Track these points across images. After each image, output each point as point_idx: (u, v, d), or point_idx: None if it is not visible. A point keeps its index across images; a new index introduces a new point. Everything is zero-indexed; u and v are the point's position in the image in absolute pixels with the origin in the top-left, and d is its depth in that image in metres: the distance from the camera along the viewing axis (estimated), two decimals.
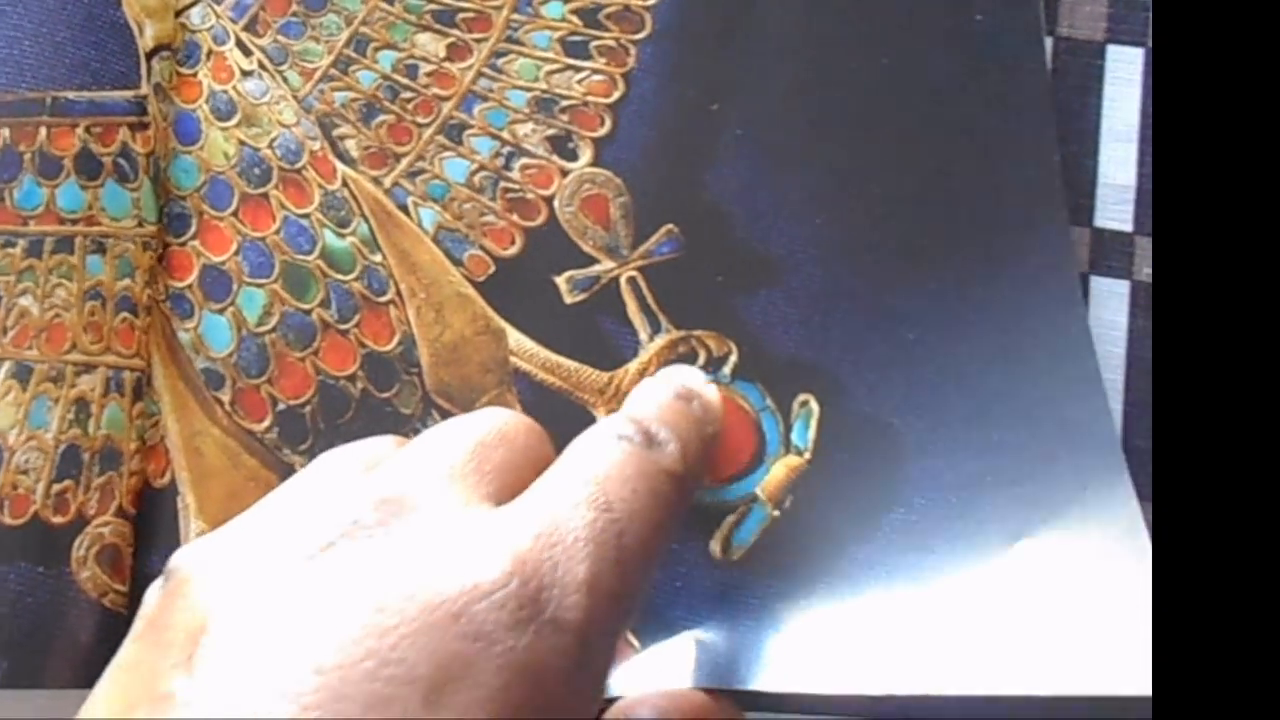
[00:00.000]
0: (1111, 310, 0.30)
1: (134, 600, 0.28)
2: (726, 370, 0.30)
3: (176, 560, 0.21)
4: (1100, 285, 0.30)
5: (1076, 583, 0.27)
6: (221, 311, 0.30)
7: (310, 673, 0.17)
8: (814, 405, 0.29)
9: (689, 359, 0.30)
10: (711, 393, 0.26)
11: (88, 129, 0.30)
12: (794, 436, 0.29)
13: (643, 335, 0.30)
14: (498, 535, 0.19)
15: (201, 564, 0.20)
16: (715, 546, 0.29)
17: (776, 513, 0.29)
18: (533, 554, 0.18)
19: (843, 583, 0.28)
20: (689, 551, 0.29)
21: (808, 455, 0.29)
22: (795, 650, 0.28)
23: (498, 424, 0.22)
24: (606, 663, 0.20)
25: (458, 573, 0.18)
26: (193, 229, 0.31)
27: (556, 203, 0.31)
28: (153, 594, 0.21)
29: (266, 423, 0.30)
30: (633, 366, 0.30)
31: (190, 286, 0.30)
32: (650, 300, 0.30)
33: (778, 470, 0.29)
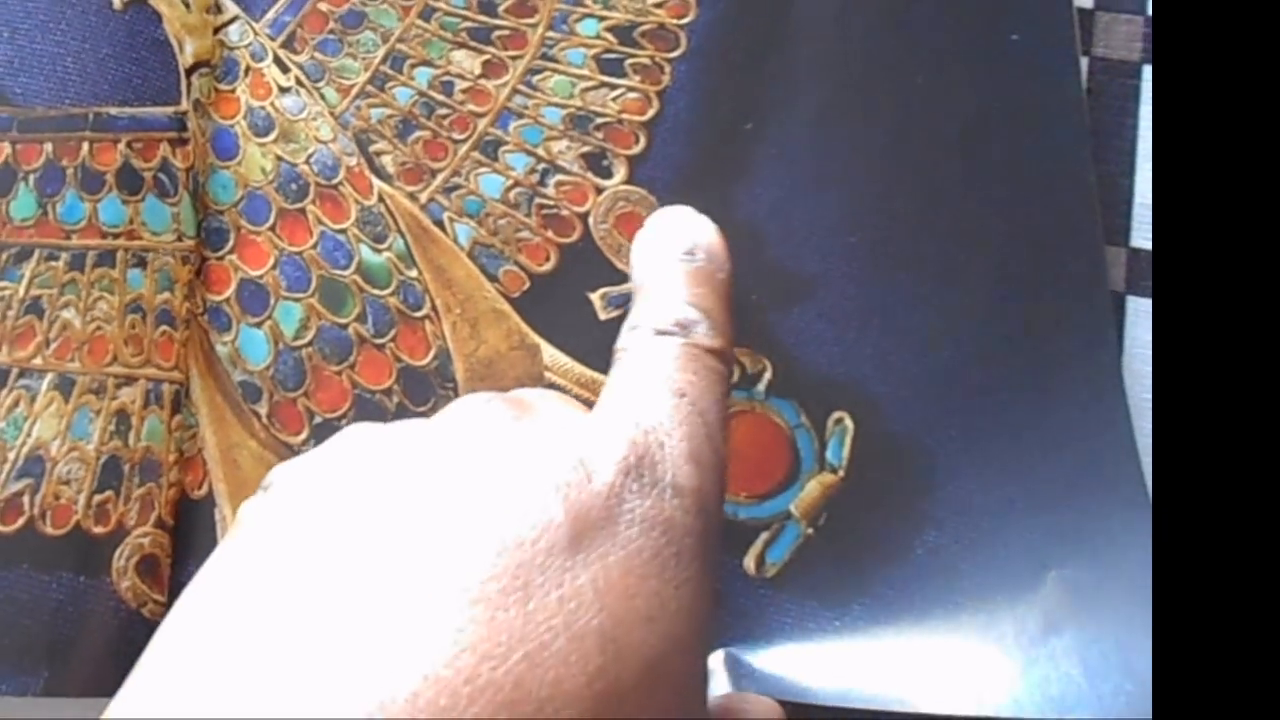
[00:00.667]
0: (1147, 330, 0.30)
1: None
2: (761, 387, 0.30)
3: (278, 474, 0.21)
4: (1136, 305, 0.30)
5: (1100, 621, 0.27)
6: (259, 325, 0.31)
7: (457, 527, 0.18)
8: (848, 422, 0.29)
9: None
10: (708, 233, 0.25)
11: (129, 144, 0.30)
12: (829, 454, 0.29)
13: None
14: (609, 426, 0.21)
15: (308, 472, 0.21)
16: (749, 563, 0.29)
17: (810, 530, 0.29)
18: (640, 437, 0.21)
19: (875, 603, 0.28)
20: (722, 567, 0.29)
21: (842, 473, 0.29)
22: (829, 669, 0.28)
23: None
24: (721, 534, 0.21)
25: (583, 449, 0.20)
26: (230, 243, 0.31)
27: (591, 220, 0.31)
28: (252, 505, 0.21)
29: (303, 436, 0.30)
30: None
31: (228, 300, 0.31)
32: None
33: (812, 488, 0.29)
